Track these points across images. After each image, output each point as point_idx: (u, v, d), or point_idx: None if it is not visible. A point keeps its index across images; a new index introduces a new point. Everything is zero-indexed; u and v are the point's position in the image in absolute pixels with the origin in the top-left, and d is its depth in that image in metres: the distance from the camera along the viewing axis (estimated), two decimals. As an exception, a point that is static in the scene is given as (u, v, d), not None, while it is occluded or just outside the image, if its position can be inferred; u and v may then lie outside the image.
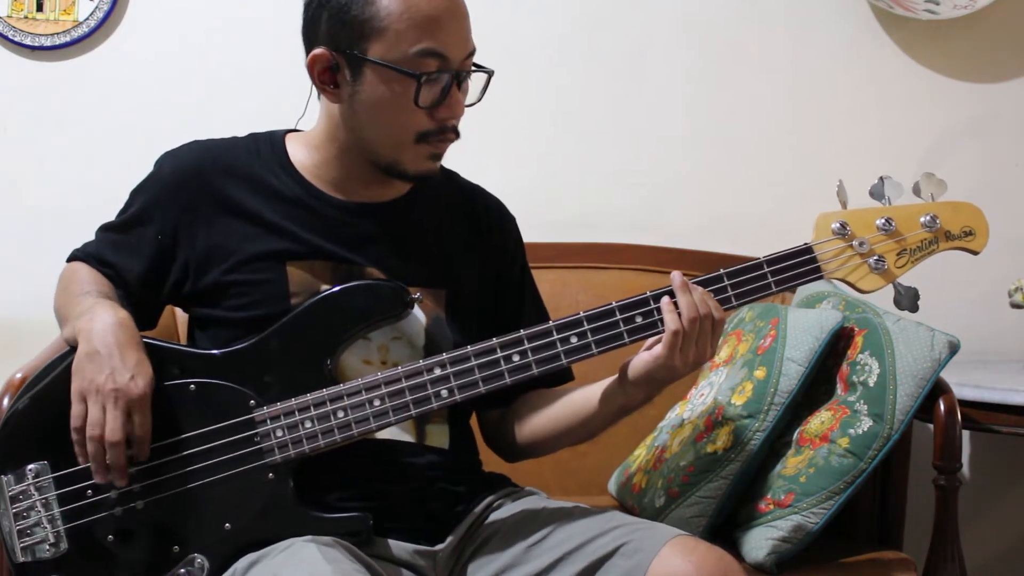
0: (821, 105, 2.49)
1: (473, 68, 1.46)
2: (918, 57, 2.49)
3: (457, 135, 1.48)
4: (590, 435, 1.56)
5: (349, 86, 1.44)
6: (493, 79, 1.48)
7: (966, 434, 2.41)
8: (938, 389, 1.79)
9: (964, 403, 1.88)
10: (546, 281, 1.75)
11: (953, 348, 1.77)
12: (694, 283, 1.44)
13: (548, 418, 1.57)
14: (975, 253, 1.51)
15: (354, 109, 1.45)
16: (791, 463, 1.78)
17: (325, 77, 1.45)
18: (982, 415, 1.98)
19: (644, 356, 1.45)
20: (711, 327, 1.42)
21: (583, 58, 2.46)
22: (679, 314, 1.41)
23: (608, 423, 1.54)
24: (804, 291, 2.05)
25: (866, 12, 2.48)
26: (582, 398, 1.54)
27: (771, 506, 1.75)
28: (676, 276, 1.43)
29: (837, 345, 1.83)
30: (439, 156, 1.49)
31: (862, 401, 1.76)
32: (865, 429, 1.74)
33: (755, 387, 1.79)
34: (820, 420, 1.79)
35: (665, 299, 1.43)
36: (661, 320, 1.43)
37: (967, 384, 1.97)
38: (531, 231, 1.73)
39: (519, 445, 1.60)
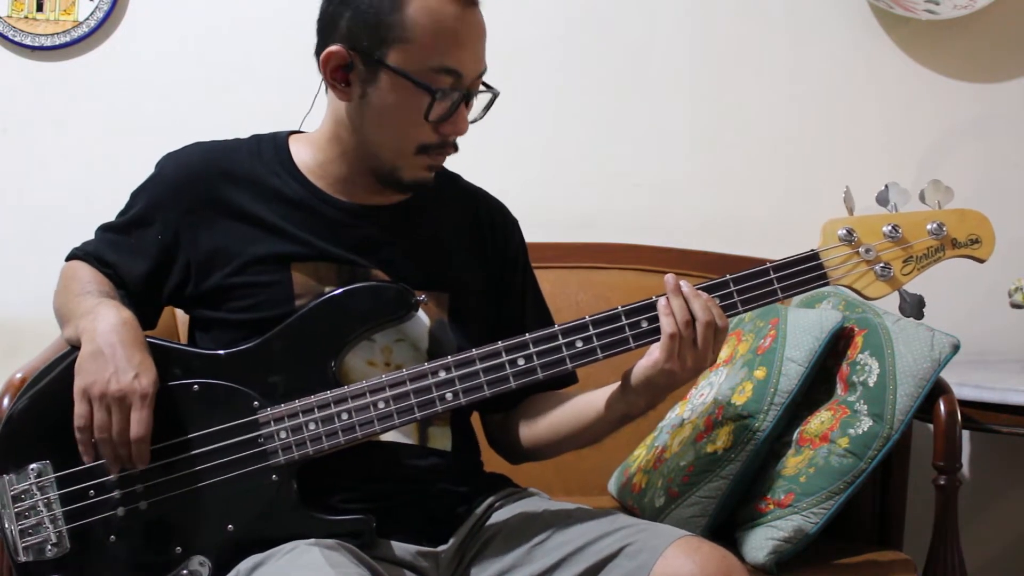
0: (821, 105, 2.49)
1: (481, 87, 1.46)
2: (918, 57, 2.49)
3: (456, 149, 1.48)
4: (593, 440, 1.56)
5: (361, 87, 1.44)
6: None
7: (966, 434, 2.41)
8: (938, 389, 1.79)
9: (964, 403, 1.88)
10: (546, 281, 1.75)
11: (953, 348, 1.77)
12: (700, 288, 1.43)
13: (551, 423, 1.56)
14: (981, 261, 1.51)
15: (362, 110, 1.45)
16: (791, 463, 1.79)
17: (337, 75, 1.45)
18: (982, 415, 1.98)
19: (643, 362, 1.44)
20: (713, 334, 1.41)
21: (584, 58, 2.46)
22: (674, 317, 1.40)
23: (611, 430, 1.53)
24: (804, 291, 2.05)
25: (866, 12, 2.48)
26: (585, 404, 1.54)
27: (771, 506, 1.75)
28: (670, 279, 1.42)
29: (837, 345, 1.84)
30: (436, 168, 1.50)
31: (862, 401, 1.76)
32: (865, 429, 1.74)
33: (755, 387, 1.79)
34: (820, 420, 1.79)
35: (661, 301, 1.42)
36: None
37: (967, 384, 1.97)
38: (531, 231, 1.73)
39: (523, 448, 1.60)
